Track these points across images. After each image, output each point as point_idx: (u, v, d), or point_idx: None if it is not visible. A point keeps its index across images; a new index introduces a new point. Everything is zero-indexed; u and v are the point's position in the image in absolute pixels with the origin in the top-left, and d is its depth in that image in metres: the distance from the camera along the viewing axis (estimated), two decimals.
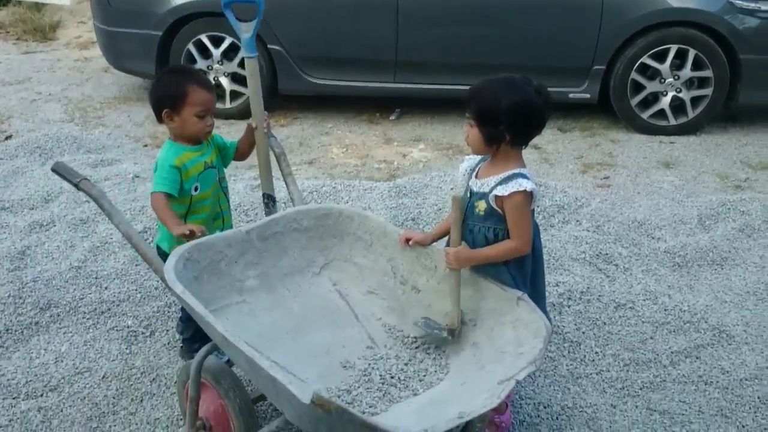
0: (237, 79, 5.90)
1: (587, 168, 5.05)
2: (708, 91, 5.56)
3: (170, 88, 2.53)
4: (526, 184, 2.16)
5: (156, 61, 5.88)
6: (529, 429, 2.60)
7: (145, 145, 5.38)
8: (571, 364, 2.93)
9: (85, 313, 3.23)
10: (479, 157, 2.36)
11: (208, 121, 2.57)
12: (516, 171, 2.21)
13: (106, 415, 2.70)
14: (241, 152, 2.83)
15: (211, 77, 5.91)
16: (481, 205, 2.25)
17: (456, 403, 1.96)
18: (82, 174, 2.58)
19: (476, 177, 2.31)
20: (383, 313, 2.51)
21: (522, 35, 5.56)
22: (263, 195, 2.91)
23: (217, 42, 5.81)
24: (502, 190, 2.18)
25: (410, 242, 2.47)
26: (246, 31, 2.75)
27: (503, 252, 2.23)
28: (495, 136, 2.19)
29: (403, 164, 5.18)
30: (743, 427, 2.62)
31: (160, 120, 2.58)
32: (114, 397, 2.77)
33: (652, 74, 5.58)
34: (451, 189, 4.32)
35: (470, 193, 2.31)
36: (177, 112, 2.52)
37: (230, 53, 5.85)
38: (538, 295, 2.33)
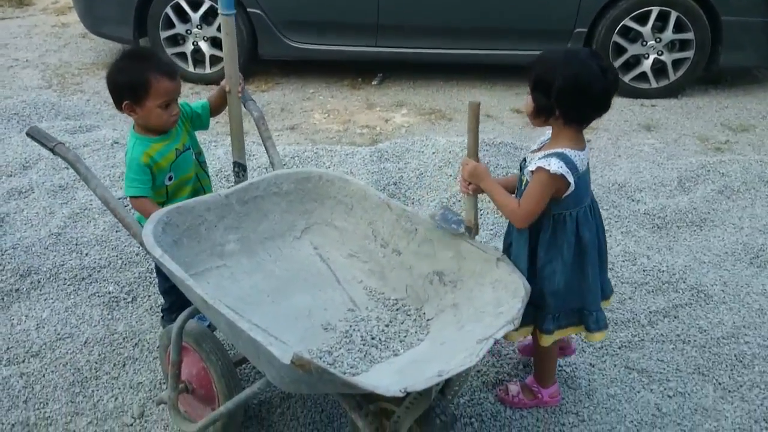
0: (217, 43, 5.82)
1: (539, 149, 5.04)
2: (689, 53, 5.57)
3: (131, 76, 2.35)
4: (553, 165, 2.07)
5: (134, 25, 5.81)
6: None
7: None
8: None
9: (65, 279, 3.22)
10: (548, 134, 2.28)
11: (172, 111, 2.42)
12: (558, 150, 2.11)
13: (88, 380, 2.70)
14: (213, 110, 2.72)
15: (189, 42, 5.84)
16: (524, 179, 2.21)
17: (436, 363, 1.97)
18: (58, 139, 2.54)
19: (532, 152, 2.25)
20: (364, 276, 2.51)
21: None
22: (234, 163, 2.81)
23: (195, 6, 5.73)
24: (533, 165, 2.13)
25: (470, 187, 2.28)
26: None
27: (506, 201, 2.19)
28: (545, 108, 2.11)
29: (386, 129, 5.16)
30: (720, 384, 2.67)
31: (118, 108, 2.43)
32: (96, 362, 2.78)
33: (634, 37, 5.58)
34: (433, 153, 4.32)
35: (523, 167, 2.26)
36: (139, 104, 2.37)
37: (209, 17, 5.77)
38: (588, 287, 2.26)
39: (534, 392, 2.55)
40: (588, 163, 2.22)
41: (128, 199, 2.46)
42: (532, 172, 2.13)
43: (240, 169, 2.81)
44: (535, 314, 2.30)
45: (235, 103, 2.68)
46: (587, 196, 2.22)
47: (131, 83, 2.36)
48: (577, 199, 2.16)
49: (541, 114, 2.14)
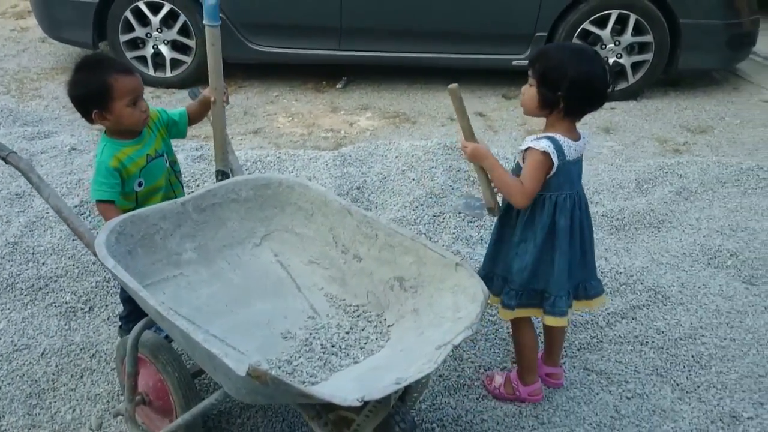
0: (177, 47, 5.78)
1: (531, 134, 5.09)
2: (648, 56, 5.65)
3: (90, 86, 2.34)
4: (543, 145, 2.18)
5: (93, 29, 5.73)
6: (470, 391, 2.65)
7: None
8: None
9: (22, 289, 3.15)
10: None
11: (142, 107, 2.40)
12: (550, 134, 2.23)
13: (45, 391, 2.66)
14: (191, 120, 2.69)
15: (150, 45, 5.78)
16: (516, 159, 2.34)
17: (395, 370, 1.97)
18: (12, 148, 2.50)
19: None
20: (325, 283, 2.50)
21: (465, 2, 5.55)
22: (217, 172, 2.78)
23: (155, 9, 5.66)
24: (525, 145, 2.25)
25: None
26: None
27: (509, 181, 2.26)
28: (550, 101, 2.20)
29: (350, 133, 5.15)
30: (677, 385, 2.70)
31: (89, 120, 2.41)
32: (54, 374, 2.73)
33: (594, 40, 5.65)
34: (396, 157, 4.32)
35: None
36: (107, 109, 2.34)
37: (169, 20, 5.71)
38: (552, 272, 2.33)
39: (514, 388, 2.58)
40: (581, 158, 2.33)
41: (95, 203, 2.41)
42: (522, 151, 2.26)
43: (223, 177, 2.78)
44: (502, 286, 2.41)
45: (220, 111, 2.65)
46: (570, 184, 2.30)
47: (93, 92, 2.34)
48: (558, 183, 2.26)
49: (546, 106, 2.23)
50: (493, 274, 2.45)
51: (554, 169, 2.22)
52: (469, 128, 2.33)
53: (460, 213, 2.38)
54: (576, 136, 2.28)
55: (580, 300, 2.45)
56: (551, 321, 2.39)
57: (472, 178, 3.87)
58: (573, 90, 2.15)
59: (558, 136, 2.22)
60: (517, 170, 2.32)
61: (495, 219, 2.46)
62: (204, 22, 2.55)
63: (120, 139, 2.43)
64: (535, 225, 2.30)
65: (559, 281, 2.34)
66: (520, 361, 2.58)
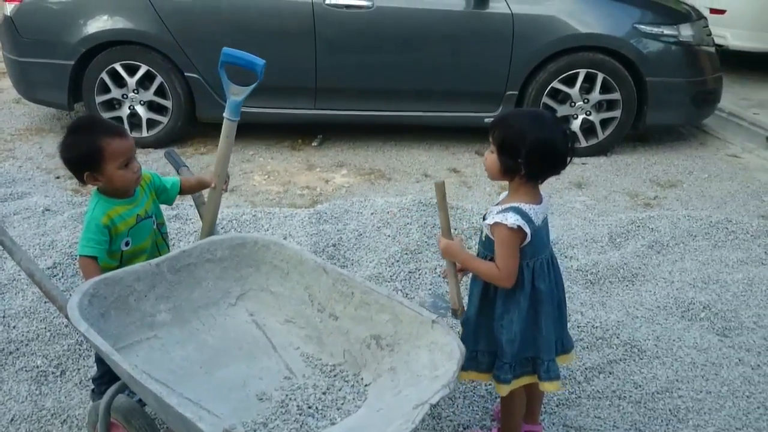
0: (153, 107, 5.81)
1: (504, 190, 5.13)
2: (617, 113, 5.79)
3: (82, 148, 2.36)
4: (510, 219, 2.19)
5: (68, 91, 5.75)
6: None
7: (57, 177, 5.21)
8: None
9: None
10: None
11: (134, 168, 2.42)
12: (514, 204, 2.23)
13: None
14: (181, 192, 2.75)
15: (126, 106, 5.81)
16: (484, 232, 2.33)
17: (373, 430, 1.96)
18: None
19: (494, 206, 2.35)
20: (301, 342, 2.49)
21: (437, 62, 5.68)
22: None
23: (131, 70, 5.71)
24: (491, 219, 2.24)
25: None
26: (236, 94, 2.70)
27: (486, 270, 2.28)
28: (511, 167, 2.22)
29: (326, 190, 5.18)
30: None
31: (81, 181, 2.42)
32: None
33: (563, 98, 5.78)
34: (372, 214, 4.35)
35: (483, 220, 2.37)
36: (99, 171, 2.35)
37: (145, 81, 5.75)
38: (541, 337, 2.33)
39: None
40: (546, 218, 2.34)
41: (79, 258, 2.41)
42: (490, 226, 2.26)
43: None
44: (493, 362, 2.38)
45: (216, 198, 2.73)
46: (544, 248, 2.32)
47: (85, 155, 2.35)
48: (533, 250, 2.27)
49: (507, 173, 2.25)
50: (476, 351, 2.40)
51: (528, 239, 2.23)
52: (447, 225, 2.35)
53: (425, 305, 2.41)
54: (539, 199, 2.30)
55: (558, 356, 2.44)
56: (549, 387, 2.37)
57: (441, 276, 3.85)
58: (532, 156, 2.17)
59: (523, 206, 2.23)
60: (488, 243, 2.31)
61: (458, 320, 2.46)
62: (224, 115, 2.68)
63: (112, 197, 2.45)
64: (517, 295, 2.29)
65: (549, 344, 2.34)
66: (508, 426, 2.55)
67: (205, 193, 2.81)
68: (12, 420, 2.75)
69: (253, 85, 2.76)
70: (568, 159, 2.23)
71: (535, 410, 2.64)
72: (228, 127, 2.68)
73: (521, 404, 2.52)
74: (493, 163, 2.26)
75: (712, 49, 6.02)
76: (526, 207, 2.23)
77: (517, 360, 2.34)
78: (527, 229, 2.20)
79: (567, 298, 3.52)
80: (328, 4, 5.54)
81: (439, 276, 3.53)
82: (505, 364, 2.33)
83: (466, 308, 2.43)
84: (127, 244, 2.47)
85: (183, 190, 2.75)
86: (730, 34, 8.02)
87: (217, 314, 2.53)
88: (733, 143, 6.43)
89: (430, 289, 3.56)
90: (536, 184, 2.29)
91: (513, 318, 2.30)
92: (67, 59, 5.65)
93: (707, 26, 6.08)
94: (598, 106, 5.81)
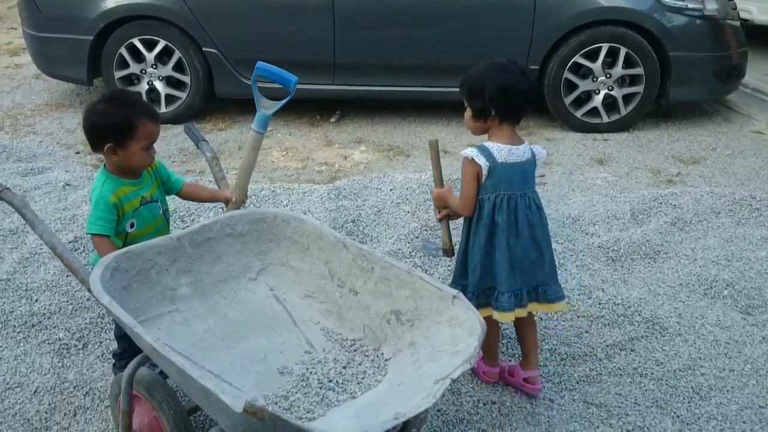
0: (172, 82, 5.81)
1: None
2: (639, 88, 5.70)
3: (116, 119, 2.34)
4: (468, 152, 2.47)
5: (87, 66, 5.75)
6: (470, 426, 2.62)
7: (78, 152, 5.24)
8: (509, 360, 2.96)
9: (15, 326, 3.12)
10: None
11: (152, 152, 2.45)
12: (484, 144, 2.49)
13: (38, 430, 2.61)
14: (186, 197, 2.77)
15: (144, 81, 5.81)
16: None
17: (393, 405, 1.95)
18: (5, 184, 2.49)
19: None
20: (321, 317, 2.49)
21: (457, 36, 5.61)
22: None
23: (150, 45, 5.70)
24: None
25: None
26: (266, 107, 2.73)
27: (453, 202, 2.59)
28: (481, 110, 2.47)
29: (344, 166, 5.17)
30: (678, 417, 2.68)
31: (96, 150, 2.42)
32: (47, 412, 2.68)
33: (585, 73, 5.70)
34: (391, 190, 4.33)
35: None
36: (122, 147, 2.36)
37: (164, 57, 5.74)
38: (495, 268, 2.51)
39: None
40: (529, 162, 2.53)
41: (90, 237, 2.41)
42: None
43: None
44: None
45: (233, 209, 2.73)
46: (509, 185, 2.48)
47: (116, 126, 2.35)
48: (493, 185, 2.48)
49: (479, 117, 2.50)
50: (461, 285, 2.58)
51: (485, 172, 2.45)
52: (439, 176, 2.65)
53: (416, 248, 2.57)
54: (517, 142, 2.51)
55: (540, 303, 2.59)
56: (496, 315, 2.53)
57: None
58: (495, 95, 2.41)
59: (489, 144, 2.48)
60: None
61: (450, 260, 2.67)
62: (252, 127, 2.74)
63: (120, 176, 2.45)
64: (479, 226, 2.51)
65: (501, 277, 2.50)
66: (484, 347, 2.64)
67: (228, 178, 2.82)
68: (35, 392, 2.78)
69: (285, 100, 2.79)
70: (531, 95, 2.47)
71: (529, 355, 2.73)
72: (255, 139, 2.72)
73: (494, 333, 2.67)
74: (469, 115, 2.53)
75: (737, 23, 5.90)
76: (492, 145, 2.48)
77: (479, 290, 2.55)
78: (479, 161, 2.43)
79: (589, 275, 3.53)
80: None
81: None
82: (469, 293, 2.53)
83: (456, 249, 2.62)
84: (132, 225, 2.47)
85: (185, 195, 2.76)
86: (756, 8, 7.87)
87: (237, 288, 2.53)
88: (757, 119, 6.32)
89: (420, 240, 3.65)
90: (512, 128, 2.52)
91: (474, 248, 2.53)
92: (86, 34, 5.66)
93: (732, 0, 5.96)
94: (621, 81, 5.72)
